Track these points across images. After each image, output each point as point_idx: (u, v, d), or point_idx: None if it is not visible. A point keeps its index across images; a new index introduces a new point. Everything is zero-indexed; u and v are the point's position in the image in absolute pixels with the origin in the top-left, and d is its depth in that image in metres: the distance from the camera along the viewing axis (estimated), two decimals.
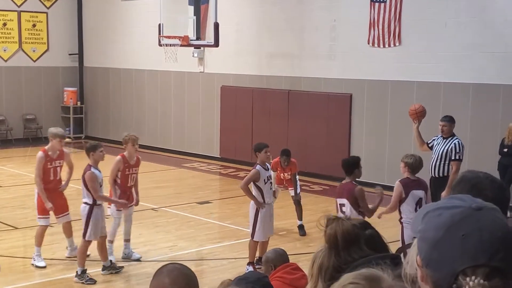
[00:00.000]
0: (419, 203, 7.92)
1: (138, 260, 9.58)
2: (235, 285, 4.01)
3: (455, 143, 9.69)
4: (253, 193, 9.14)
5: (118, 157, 9.58)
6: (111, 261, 9.02)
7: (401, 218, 8.08)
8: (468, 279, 1.52)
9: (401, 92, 14.16)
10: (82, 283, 8.56)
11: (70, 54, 21.97)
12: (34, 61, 21.37)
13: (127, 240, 9.71)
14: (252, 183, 9.16)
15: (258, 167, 9.20)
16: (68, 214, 9.62)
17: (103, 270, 8.92)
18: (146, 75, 19.96)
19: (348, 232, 2.75)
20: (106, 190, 9.45)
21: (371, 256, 2.59)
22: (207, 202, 13.37)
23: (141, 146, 20.42)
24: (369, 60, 14.67)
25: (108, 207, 9.47)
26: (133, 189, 9.65)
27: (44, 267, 9.14)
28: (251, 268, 9.10)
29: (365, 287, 1.59)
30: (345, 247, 2.77)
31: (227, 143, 17.64)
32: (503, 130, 12.50)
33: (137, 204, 9.78)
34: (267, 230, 9.28)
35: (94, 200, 8.70)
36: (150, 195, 13.80)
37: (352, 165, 8.28)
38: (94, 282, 8.62)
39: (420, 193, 8.02)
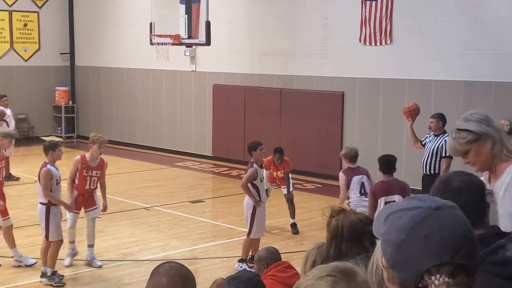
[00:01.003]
0: (363, 187, 8.95)
1: (99, 267, 9.19)
2: (227, 285, 4.01)
3: (445, 140, 9.71)
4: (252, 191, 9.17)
5: (77, 157, 9.18)
6: (55, 271, 8.65)
7: (349, 203, 8.79)
8: (433, 277, 1.55)
9: (393, 90, 14.18)
10: (51, 285, 8.39)
11: (61, 54, 21.90)
12: (26, 60, 21.28)
13: (90, 246, 9.32)
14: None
15: (255, 165, 9.21)
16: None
17: (41, 277, 8.57)
18: (137, 74, 19.92)
19: (354, 226, 2.76)
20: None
21: (366, 253, 2.59)
22: (200, 201, 13.36)
23: (133, 145, 20.46)
24: (361, 58, 14.68)
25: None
26: (94, 193, 9.27)
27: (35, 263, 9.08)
28: (244, 265, 9.11)
29: (342, 280, 1.61)
30: (349, 240, 2.78)
31: (220, 141, 17.63)
32: None
33: (104, 210, 9.39)
34: (263, 227, 9.36)
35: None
36: (142, 194, 13.80)
37: (394, 163, 8.31)
38: (63, 284, 8.45)
39: (361, 177, 8.98)
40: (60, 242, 8.59)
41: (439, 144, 9.72)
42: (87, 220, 9.27)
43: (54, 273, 8.50)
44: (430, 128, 9.95)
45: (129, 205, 12.81)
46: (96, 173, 9.13)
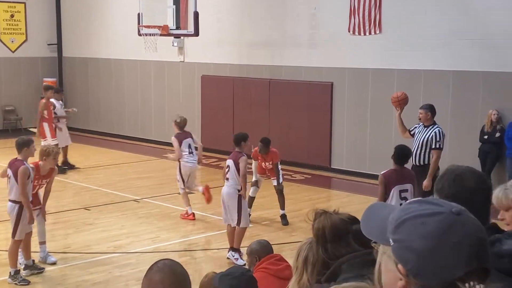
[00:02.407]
0: (190, 147, 11.40)
1: (54, 263, 8.97)
2: (219, 281, 4.00)
3: (435, 132, 9.73)
4: (240, 181, 9.19)
5: (31, 166, 8.50)
6: (33, 260, 8.65)
7: (179, 159, 11.27)
8: (467, 285, 1.54)
9: (381, 80, 14.19)
10: (15, 283, 8.24)
11: (49, 45, 21.76)
12: (13, 51, 21.14)
13: (42, 243, 9.07)
14: (235, 172, 9.18)
15: (245, 156, 9.27)
16: None
17: (24, 269, 8.48)
18: (125, 65, 19.83)
19: (336, 227, 2.75)
20: None
21: (359, 252, 2.59)
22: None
23: (122, 137, 20.37)
24: (350, 48, 14.67)
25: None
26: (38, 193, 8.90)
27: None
28: (236, 255, 9.10)
29: None
30: (333, 241, 2.77)
31: (209, 133, 17.59)
32: (483, 117, 12.59)
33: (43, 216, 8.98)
34: (248, 217, 9.42)
35: None
36: (132, 186, 13.78)
37: (409, 157, 8.46)
38: (27, 283, 8.28)
39: (188, 139, 11.46)
40: (20, 242, 8.36)
41: (429, 135, 9.74)
42: (36, 218, 8.80)
43: (17, 272, 8.34)
44: (419, 119, 9.97)
45: (119, 197, 12.79)
46: (46, 181, 8.86)
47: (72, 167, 15.38)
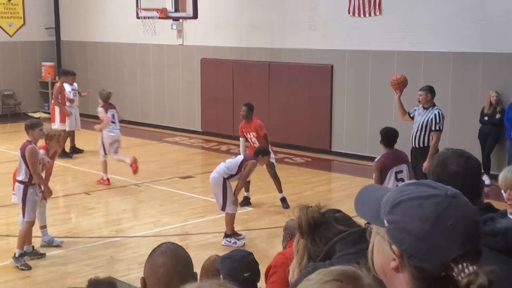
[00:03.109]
0: (114, 117, 12.63)
1: (60, 245, 9.11)
2: (221, 263, 4.02)
3: (435, 114, 9.71)
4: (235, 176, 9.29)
5: (42, 151, 8.77)
6: (33, 246, 8.64)
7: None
8: (460, 266, 1.55)
9: (382, 62, 14.14)
10: (17, 267, 8.26)
11: (46, 28, 21.66)
12: (11, 36, 21.05)
13: (44, 227, 9.15)
14: (236, 166, 9.28)
15: (256, 163, 9.51)
16: None
17: (12, 258, 8.39)
18: (124, 48, 19.76)
19: (313, 218, 2.78)
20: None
21: (347, 231, 2.62)
22: (190, 176, 13.35)
23: (121, 121, 20.33)
24: (350, 30, 14.61)
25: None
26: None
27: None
28: (232, 240, 9.14)
29: (348, 284, 1.60)
30: (313, 231, 2.81)
31: (209, 116, 17.57)
32: (483, 98, 12.56)
33: (46, 197, 9.08)
34: (235, 203, 9.36)
35: (30, 179, 8.31)
36: None
37: (397, 137, 8.42)
38: (29, 268, 8.28)
39: (113, 111, 12.72)
40: (32, 223, 8.43)
41: (429, 117, 9.71)
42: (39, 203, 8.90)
43: (22, 255, 8.35)
44: (419, 101, 9.95)
45: (120, 181, 12.79)
46: (49, 162, 9.09)
47: (80, 151, 15.52)
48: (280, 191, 11.04)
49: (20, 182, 8.41)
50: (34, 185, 8.45)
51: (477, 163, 3.03)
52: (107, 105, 12.77)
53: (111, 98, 12.91)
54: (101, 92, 12.95)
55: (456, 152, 2.99)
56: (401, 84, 10.17)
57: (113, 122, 12.58)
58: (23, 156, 8.34)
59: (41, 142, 8.98)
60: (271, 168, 10.94)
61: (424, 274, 1.60)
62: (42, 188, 8.68)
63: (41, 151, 8.65)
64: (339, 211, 2.86)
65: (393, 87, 10.28)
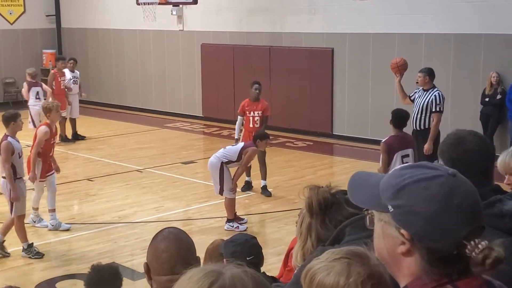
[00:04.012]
0: (38, 94, 14.24)
1: (67, 230, 9.22)
2: (224, 247, 4.05)
3: (435, 95, 9.70)
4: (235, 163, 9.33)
5: (44, 127, 9.01)
6: (4, 241, 8.37)
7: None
8: (472, 243, 1.58)
9: (382, 45, 14.11)
10: (30, 257, 8.23)
11: (47, 16, 21.61)
12: (11, 23, 21.01)
13: (52, 210, 9.23)
14: (237, 153, 9.26)
15: (256, 149, 9.49)
16: None
17: (23, 251, 8.32)
18: (124, 34, 19.72)
19: (324, 199, 2.76)
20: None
21: (357, 215, 2.60)
22: (192, 162, 13.37)
23: (123, 107, 20.37)
24: (350, 13, 14.56)
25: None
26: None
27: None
28: (235, 224, 9.17)
29: (356, 262, 1.62)
30: (323, 212, 2.79)
31: (210, 101, 17.56)
32: (484, 79, 12.55)
33: (58, 171, 9.43)
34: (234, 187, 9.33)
35: (15, 173, 8.15)
36: (135, 156, 13.80)
37: (407, 119, 8.43)
38: (41, 255, 8.27)
39: (38, 88, 14.33)
40: (23, 216, 8.32)
41: (429, 99, 9.70)
42: (47, 185, 9.12)
43: (30, 245, 8.30)
44: (417, 82, 9.94)
45: (122, 167, 12.82)
46: (55, 139, 9.39)
47: (82, 137, 15.56)
48: (264, 178, 10.90)
49: (4, 177, 8.25)
50: (20, 178, 8.29)
51: (493, 144, 3.03)
52: (33, 83, 14.42)
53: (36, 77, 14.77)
54: (28, 71, 14.65)
55: (471, 133, 2.96)
56: (401, 68, 10.14)
57: (36, 98, 14.13)
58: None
59: (45, 119, 9.37)
60: (262, 154, 10.75)
61: (436, 255, 1.61)
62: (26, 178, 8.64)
63: (21, 143, 8.48)
64: (343, 192, 2.84)
65: (393, 70, 10.26)
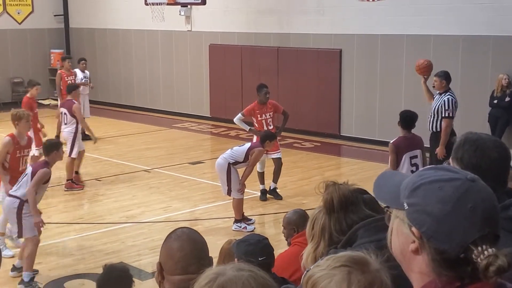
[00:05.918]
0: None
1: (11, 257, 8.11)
2: (236, 247, 4.05)
3: (444, 100, 9.68)
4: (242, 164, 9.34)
5: (7, 137, 8.19)
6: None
7: None
8: (479, 248, 1.57)
9: (390, 46, 14.09)
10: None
11: (55, 16, 21.66)
12: (20, 23, 21.07)
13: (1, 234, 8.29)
14: (244, 153, 9.26)
15: (263, 150, 9.54)
16: None
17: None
18: (133, 35, 19.75)
19: (345, 196, 2.74)
20: None
21: (373, 217, 2.59)
22: (200, 162, 13.38)
23: (131, 107, 20.39)
24: (358, 14, 14.55)
25: None
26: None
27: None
28: (243, 225, 9.18)
29: (356, 270, 1.63)
30: (343, 210, 2.76)
31: (217, 102, 17.57)
32: (493, 81, 12.51)
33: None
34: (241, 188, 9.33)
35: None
36: (142, 156, 13.82)
37: (415, 120, 8.42)
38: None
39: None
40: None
41: (440, 103, 9.69)
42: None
43: (32, 278, 7.42)
44: (433, 86, 9.94)
45: (130, 167, 12.84)
46: (27, 152, 8.43)
47: (90, 138, 15.46)
48: (276, 181, 10.84)
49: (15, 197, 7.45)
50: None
51: (509, 150, 3.02)
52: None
53: None
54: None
55: (489, 138, 2.95)
56: (423, 70, 10.14)
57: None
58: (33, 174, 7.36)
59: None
60: (278, 163, 10.72)
61: (443, 255, 1.62)
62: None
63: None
64: (366, 192, 2.82)
65: (417, 72, 10.31)
